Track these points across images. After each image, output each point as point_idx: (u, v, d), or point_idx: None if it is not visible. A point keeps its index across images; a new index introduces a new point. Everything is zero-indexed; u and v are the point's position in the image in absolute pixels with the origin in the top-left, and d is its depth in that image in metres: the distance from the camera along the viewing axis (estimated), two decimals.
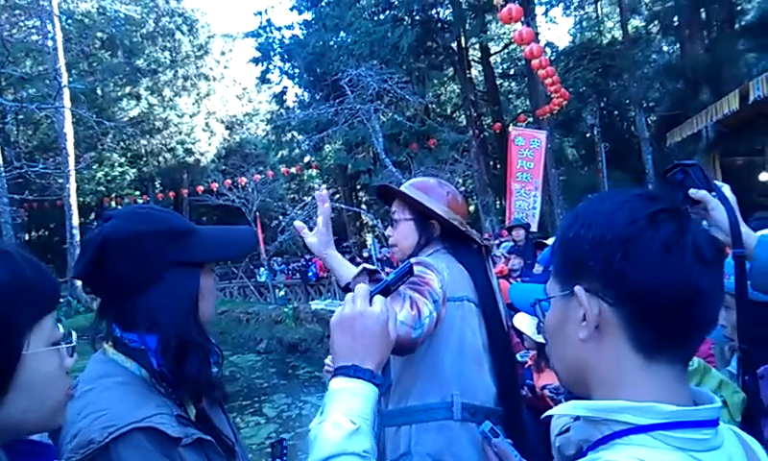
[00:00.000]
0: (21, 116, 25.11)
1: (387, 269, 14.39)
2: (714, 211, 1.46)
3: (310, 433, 1.00)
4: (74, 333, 0.89)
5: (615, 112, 27.34)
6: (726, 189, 1.50)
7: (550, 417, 0.84)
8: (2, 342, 0.74)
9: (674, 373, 0.78)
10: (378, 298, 1.12)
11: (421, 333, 1.62)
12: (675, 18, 20.48)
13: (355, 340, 1.07)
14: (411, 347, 1.62)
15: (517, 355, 3.12)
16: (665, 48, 25.99)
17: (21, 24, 12.12)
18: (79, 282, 20.45)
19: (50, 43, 17.60)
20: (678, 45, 21.43)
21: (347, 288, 1.71)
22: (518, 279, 6.26)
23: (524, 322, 3.57)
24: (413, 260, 1.88)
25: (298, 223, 1.97)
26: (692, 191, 1.48)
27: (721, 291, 0.80)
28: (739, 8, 19.22)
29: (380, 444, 1.92)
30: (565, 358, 0.86)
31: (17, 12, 11.88)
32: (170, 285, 1.18)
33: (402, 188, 2.13)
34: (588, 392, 0.84)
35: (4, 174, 12.91)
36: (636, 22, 25.39)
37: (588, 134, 25.33)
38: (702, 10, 18.59)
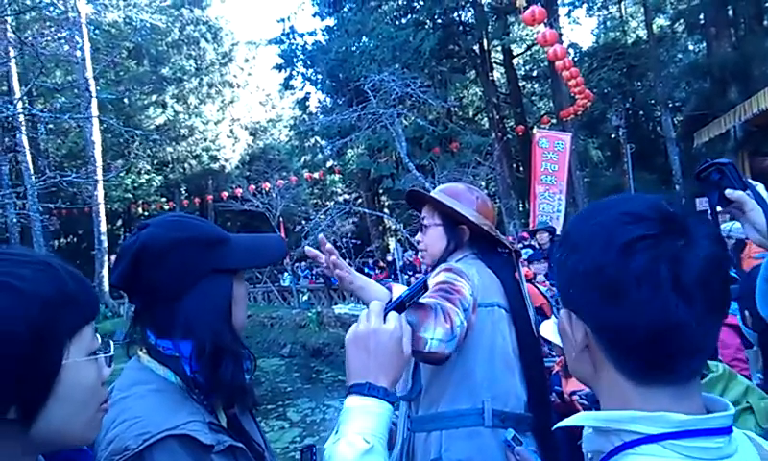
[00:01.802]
0: (51, 126, 25.64)
1: (409, 273, 14.35)
2: (752, 213, 1.40)
3: (326, 453, 1.01)
4: (112, 343, 0.91)
5: (641, 113, 27.00)
6: (761, 188, 1.44)
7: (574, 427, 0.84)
8: (43, 351, 0.76)
9: (672, 392, 0.76)
10: (392, 314, 1.13)
11: (455, 346, 1.62)
12: (701, 16, 20.16)
13: (369, 357, 1.07)
14: (444, 360, 1.62)
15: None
16: (691, 47, 25.63)
17: (51, 36, 12.39)
18: (107, 288, 20.89)
19: (78, 54, 18.00)
20: (704, 44, 21.09)
21: None
22: (546, 284, 6.21)
23: (550, 330, 3.54)
24: (443, 266, 1.89)
25: (315, 248, 1.96)
26: (729, 192, 1.42)
27: (712, 317, 0.75)
28: None
29: (410, 449, 1.92)
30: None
31: (48, 23, 12.17)
32: (205, 292, 1.20)
33: (432, 194, 2.14)
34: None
35: (36, 183, 13.19)
36: (660, 21, 25.07)
37: (612, 136, 25.07)
38: (729, 7, 18.27)
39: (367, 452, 0.96)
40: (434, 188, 2.25)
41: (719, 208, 1.46)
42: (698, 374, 0.80)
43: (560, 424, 0.88)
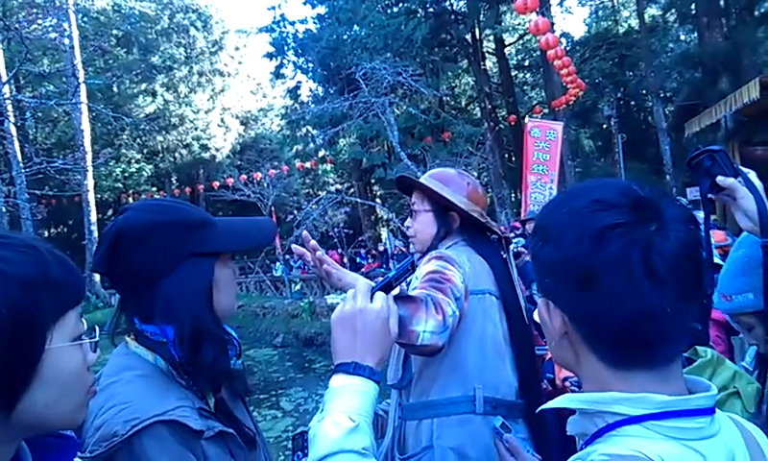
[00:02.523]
0: (39, 114, 25.40)
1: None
2: (743, 200, 1.40)
3: (310, 431, 1.00)
4: (97, 329, 0.89)
5: (632, 103, 27.11)
6: (752, 176, 1.44)
7: (564, 410, 0.84)
8: (25, 335, 0.74)
9: (652, 376, 0.76)
10: (379, 294, 1.12)
11: (447, 337, 1.61)
12: (692, 6, 20.18)
13: (355, 337, 1.06)
14: (437, 352, 1.61)
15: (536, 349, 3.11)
16: (683, 37, 25.69)
17: (38, 22, 12.24)
18: (97, 278, 20.77)
19: (66, 41, 17.78)
20: (696, 34, 21.14)
21: None
22: None
23: None
24: (433, 254, 1.88)
25: (299, 245, 1.84)
26: (720, 179, 1.42)
27: (686, 300, 0.74)
28: None
29: (401, 437, 1.92)
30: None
31: (34, 10, 12.02)
32: (184, 275, 1.18)
33: (422, 179, 2.12)
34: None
35: (23, 170, 13.07)
36: (652, 11, 25.09)
37: (604, 125, 25.15)
38: None
39: (352, 431, 0.95)
40: None
41: (710, 196, 1.46)
42: (677, 357, 0.80)
43: (545, 405, 0.88)
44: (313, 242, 1.69)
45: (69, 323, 0.81)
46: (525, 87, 30.72)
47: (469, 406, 1.82)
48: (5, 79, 13.92)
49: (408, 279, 1.53)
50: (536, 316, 3.48)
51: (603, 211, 0.74)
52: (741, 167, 1.47)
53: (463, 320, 1.77)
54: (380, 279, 1.19)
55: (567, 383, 3.05)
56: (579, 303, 0.75)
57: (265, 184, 19.48)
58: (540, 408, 0.95)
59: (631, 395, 0.74)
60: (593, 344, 0.77)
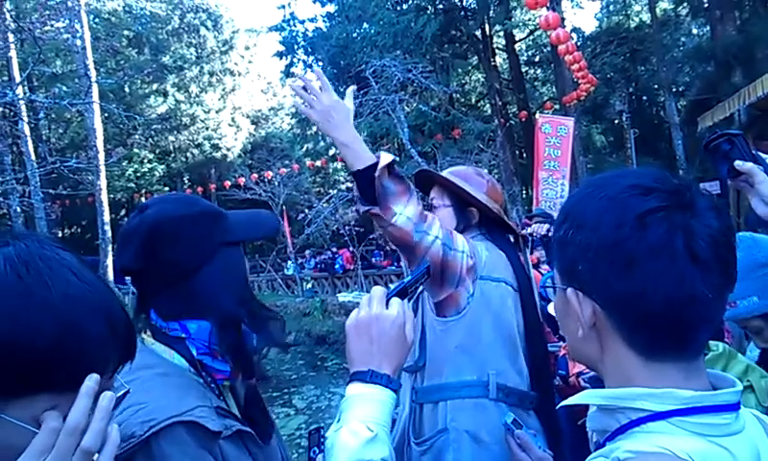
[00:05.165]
0: (53, 115, 25.59)
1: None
2: (761, 185, 1.37)
3: (327, 441, 0.99)
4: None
5: (644, 98, 26.87)
6: None
7: (576, 406, 0.83)
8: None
9: (682, 368, 0.76)
10: (395, 300, 1.10)
11: (422, 240, 1.65)
12: None
13: (372, 344, 1.05)
14: (410, 247, 1.64)
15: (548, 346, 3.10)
16: (695, 31, 25.42)
17: (50, 24, 12.35)
18: (111, 278, 20.93)
19: (79, 42, 17.91)
20: (708, 27, 20.89)
21: (355, 174, 1.64)
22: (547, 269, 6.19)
23: None
24: None
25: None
26: (738, 163, 1.39)
27: (725, 288, 0.75)
28: None
29: (415, 421, 1.93)
30: (573, 347, 0.86)
31: (47, 12, 12.12)
32: (223, 263, 1.19)
33: (443, 174, 2.14)
34: (599, 375, 0.84)
35: (38, 169, 13.18)
36: (664, 5, 24.87)
37: (616, 121, 24.93)
38: None
39: (371, 441, 0.94)
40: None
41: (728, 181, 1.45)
42: (704, 348, 0.80)
43: (565, 402, 0.87)
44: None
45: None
46: (536, 83, 30.51)
47: (483, 391, 1.83)
48: (18, 80, 14.05)
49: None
50: (551, 309, 3.48)
51: (643, 196, 0.74)
52: (761, 153, 1.44)
53: (477, 302, 1.83)
54: (395, 285, 1.18)
55: (580, 379, 3.04)
56: (618, 288, 0.73)
57: (276, 183, 19.53)
58: (560, 404, 0.93)
59: (655, 390, 0.73)
60: (627, 331, 0.76)
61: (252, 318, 1.20)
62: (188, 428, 1.03)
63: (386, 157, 1.63)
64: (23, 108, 13.69)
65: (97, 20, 26.87)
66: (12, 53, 14.95)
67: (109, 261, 21.54)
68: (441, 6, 21.89)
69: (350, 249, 18.05)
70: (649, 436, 0.71)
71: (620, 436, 0.75)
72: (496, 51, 25.51)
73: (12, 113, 13.10)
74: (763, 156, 1.42)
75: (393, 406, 1.03)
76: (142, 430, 0.99)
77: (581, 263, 0.77)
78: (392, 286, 1.17)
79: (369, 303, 1.09)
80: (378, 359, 1.04)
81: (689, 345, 0.76)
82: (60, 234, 29.14)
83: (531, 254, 6.12)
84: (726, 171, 1.41)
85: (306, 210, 17.44)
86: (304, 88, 1.66)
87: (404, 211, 1.60)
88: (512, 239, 2.14)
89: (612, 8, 28.84)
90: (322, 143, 26.79)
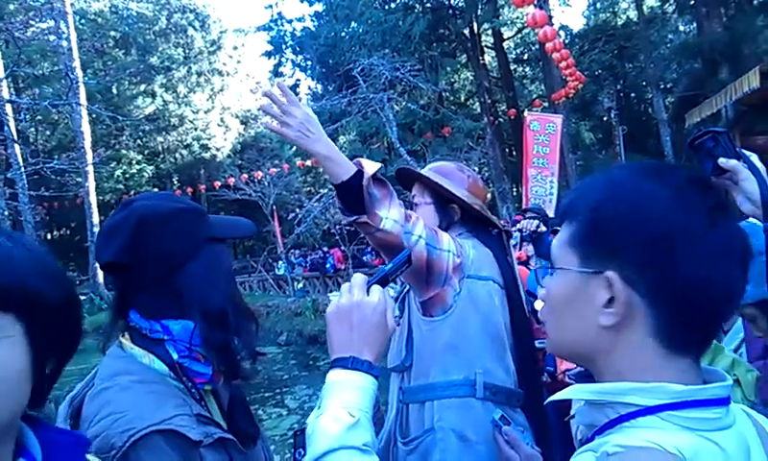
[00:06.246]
0: (39, 117, 25.39)
1: None
2: (745, 182, 1.36)
3: (308, 427, 0.98)
4: None
5: (632, 95, 27.05)
6: (755, 159, 1.40)
7: (563, 402, 0.82)
8: None
9: (691, 360, 0.76)
10: (376, 288, 1.10)
11: (411, 242, 1.65)
12: None
13: (352, 331, 1.04)
14: (395, 247, 1.62)
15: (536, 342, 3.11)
16: (682, 27, 25.61)
17: (35, 25, 12.24)
18: (101, 279, 20.80)
19: (65, 43, 17.79)
20: (695, 24, 21.05)
21: (339, 186, 1.62)
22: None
23: None
24: None
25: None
26: (722, 160, 1.38)
27: (745, 283, 0.77)
28: None
29: (402, 421, 1.92)
30: (570, 335, 0.82)
31: (31, 13, 12.00)
32: (210, 257, 1.19)
33: (423, 172, 2.14)
34: (593, 369, 0.82)
35: (22, 171, 13.06)
36: (651, 2, 25.02)
37: (604, 118, 25.09)
38: None
39: (352, 426, 0.93)
40: None
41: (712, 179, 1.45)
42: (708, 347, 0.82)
43: (552, 397, 0.85)
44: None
45: None
46: (525, 81, 30.61)
47: (470, 390, 1.82)
48: (4, 84, 13.90)
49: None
50: (537, 305, 3.47)
51: (704, 192, 0.75)
52: (744, 151, 1.44)
53: (464, 301, 1.82)
54: (376, 273, 1.18)
55: (567, 375, 3.05)
56: (677, 277, 0.72)
57: (266, 183, 19.47)
58: (548, 400, 0.92)
59: (646, 385, 0.72)
60: (663, 321, 0.74)
61: (237, 317, 1.19)
62: (166, 438, 1.01)
63: (371, 166, 1.61)
64: (8, 109, 13.54)
65: (83, 21, 26.71)
66: None
67: None
68: (428, 4, 21.89)
69: (341, 248, 18.04)
70: (639, 431, 0.71)
71: (609, 430, 0.74)
72: (485, 49, 25.54)
73: None
74: (747, 153, 1.42)
75: (375, 392, 1.02)
76: (122, 441, 0.98)
77: (635, 247, 0.74)
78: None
79: (349, 291, 1.08)
80: (359, 345, 1.03)
81: (710, 337, 0.79)
82: (48, 237, 28.90)
83: (520, 249, 6.17)
84: (710, 168, 1.40)
85: (297, 210, 17.40)
86: (280, 103, 1.60)
87: (389, 215, 1.59)
88: (495, 235, 2.13)
89: (599, 5, 28.98)
90: None
